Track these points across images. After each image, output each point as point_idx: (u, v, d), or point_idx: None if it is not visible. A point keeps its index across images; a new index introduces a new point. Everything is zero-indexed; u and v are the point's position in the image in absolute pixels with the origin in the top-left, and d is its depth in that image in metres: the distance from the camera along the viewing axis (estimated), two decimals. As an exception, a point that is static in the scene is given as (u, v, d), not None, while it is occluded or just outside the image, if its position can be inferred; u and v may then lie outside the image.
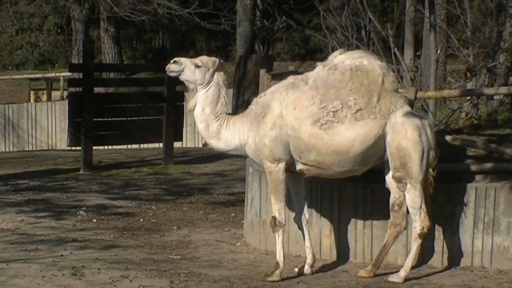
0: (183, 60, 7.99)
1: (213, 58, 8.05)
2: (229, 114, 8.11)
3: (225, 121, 7.98)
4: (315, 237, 8.45)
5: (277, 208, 7.88)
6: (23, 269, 8.00)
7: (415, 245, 7.79)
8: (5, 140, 23.23)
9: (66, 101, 19.70)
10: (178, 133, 16.03)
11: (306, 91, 7.79)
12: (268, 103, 7.89)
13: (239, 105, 18.04)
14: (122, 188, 13.07)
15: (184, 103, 15.29)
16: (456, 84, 10.84)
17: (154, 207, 11.56)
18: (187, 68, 7.92)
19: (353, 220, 8.46)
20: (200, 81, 7.92)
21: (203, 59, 8.01)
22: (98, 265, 8.19)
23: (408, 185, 7.71)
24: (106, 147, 18.66)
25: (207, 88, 7.94)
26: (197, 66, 7.91)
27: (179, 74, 7.97)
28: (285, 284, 7.69)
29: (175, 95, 15.58)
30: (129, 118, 15.85)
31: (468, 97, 10.07)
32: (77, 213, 11.07)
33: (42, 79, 28.69)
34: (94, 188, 13.05)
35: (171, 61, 7.98)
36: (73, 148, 16.80)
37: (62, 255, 8.66)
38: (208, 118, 7.96)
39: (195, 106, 7.98)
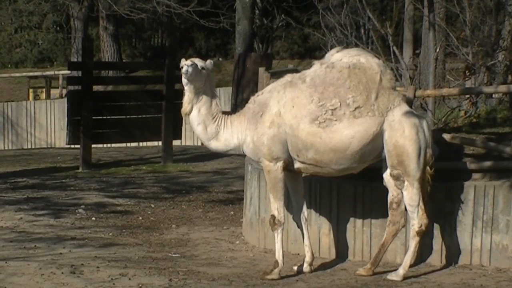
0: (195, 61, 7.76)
1: (208, 60, 7.98)
2: (225, 113, 8.07)
3: (222, 121, 7.94)
4: (314, 235, 8.45)
5: (276, 206, 7.87)
6: (22, 267, 7.99)
7: (413, 243, 7.79)
8: (4, 138, 23.21)
9: (65, 99, 19.72)
10: (177, 131, 16.02)
11: (304, 89, 7.78)
12: (266, 101, 7.87)
13: (238, 104, 18.04)
14: (121, 186, 13.06)
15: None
16: (455, 83, 10.84)
17: (153, 205, 11.55)
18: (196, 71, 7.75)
19: (352, 219, 8.46)
20: (200, 83, 7.83)
21: (200, 61, 7.86)
22: (97, 263, 8.19)
23: (406, 183, 7.70)
24: (105, 145, 18.67)
25: (202, 89, 7.86)
26: (202, 69, 7.80)
27: (193, 77, 7.72)
28: (284, 282, 7.69)
29: (174, 93, 15.53)
30: (128, 116, 15.84)
31: (467, 96, 10.07)
32: (76, 211, 11.07)
33: (41, 77, 28.69)
34: (93, 186, 13.04)
35: (189, 63, 7.67)
36: (72, 146, 16.77)
37: (61, 253, 8.66)
38: (206, 119, 7.90)
39: (191, 109, 7.90)
